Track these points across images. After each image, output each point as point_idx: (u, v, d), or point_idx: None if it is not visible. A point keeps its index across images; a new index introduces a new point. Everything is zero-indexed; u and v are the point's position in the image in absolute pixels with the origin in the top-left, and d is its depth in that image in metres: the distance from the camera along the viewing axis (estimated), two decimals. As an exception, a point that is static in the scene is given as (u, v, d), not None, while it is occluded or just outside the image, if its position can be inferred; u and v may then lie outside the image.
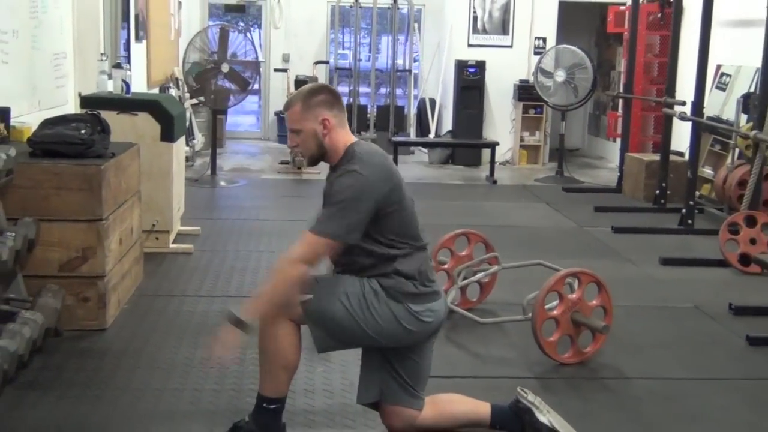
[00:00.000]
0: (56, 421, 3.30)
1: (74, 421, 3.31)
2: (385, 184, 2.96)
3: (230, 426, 3.12)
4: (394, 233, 3.00)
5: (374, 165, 2.98)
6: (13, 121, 4.67)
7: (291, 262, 2.91)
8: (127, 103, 5.71)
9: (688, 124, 7.51)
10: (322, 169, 3.14)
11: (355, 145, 3.05)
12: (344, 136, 3.06)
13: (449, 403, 3.27)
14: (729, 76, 8.37)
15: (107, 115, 4.82)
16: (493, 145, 10.07)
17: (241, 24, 15.03)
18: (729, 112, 7.93)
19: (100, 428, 3.26)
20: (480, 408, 3.26)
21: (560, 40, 10.78)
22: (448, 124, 11.29)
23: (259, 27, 13.12)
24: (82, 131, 4.33)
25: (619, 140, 9.80)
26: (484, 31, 11.09)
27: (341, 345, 3.11)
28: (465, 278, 4.74)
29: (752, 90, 7.54)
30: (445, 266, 4.84)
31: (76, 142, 4.27)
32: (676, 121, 7.88)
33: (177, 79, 9.82)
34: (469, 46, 11.05)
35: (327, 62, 11.90)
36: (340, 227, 2.89)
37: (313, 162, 3.12)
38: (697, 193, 7.68)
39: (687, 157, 7.77)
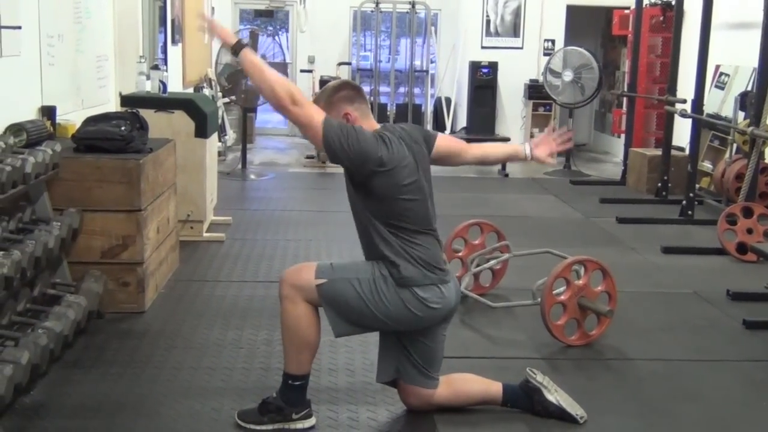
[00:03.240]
0: (99, 396, 3.32)
1: (115, 396, 3.32)
2: (394, 146, 2.95)
3: (259, 402, 3.12)
4: (405, 218, 2.98)
5: (393, 129, 3.03)
6: (58, 119, 4.70)
7: (294, 94, 2.86)
8: (164, 102, 5.72)
9: (689, 121, 7.44)
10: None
11: (381, 127, 3.07)
12: (368, 125, 3.05)
13: (463, 382, 3.26)
14: (727, 75, 8.28)
15: (145, 113, 4.85)
16: (504, 141, 10.04)
17: (270, 28, 15.03)
18: (727, 110, 7.85)
19: (139, 403, 3.27)
20: (492, 387, 3.25)
21: (568, 42, 10.71)
22: (462, 121, 11.25)
23: (287, 31, 13.10)
24: (122, 128, 4.34)
25: (623, 136, 9.73)
26: (497, 34, 11.03)
27: (355, 328, 3.09)
28: (478, 265, 4.72)
29: (749, 89, 7.46)
30: (460, 254, 4.83)
31: (116, 138, 4.29)
32: (677, 118, 7.81)
33: (210, 79, 9.83)
34: (483, 48, 11.00)
35: (349, 63, 11.88)
36: (334, 127, 2.88)
37: None
38: (697, 185, 7.61)
39: (687, 151, 7.71)
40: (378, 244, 2.98)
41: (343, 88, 3.09)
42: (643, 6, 9.28)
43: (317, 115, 2.90)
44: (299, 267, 3.09)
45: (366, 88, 11.53)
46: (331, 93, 3.06)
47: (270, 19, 14.29)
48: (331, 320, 3.02)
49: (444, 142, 3.27)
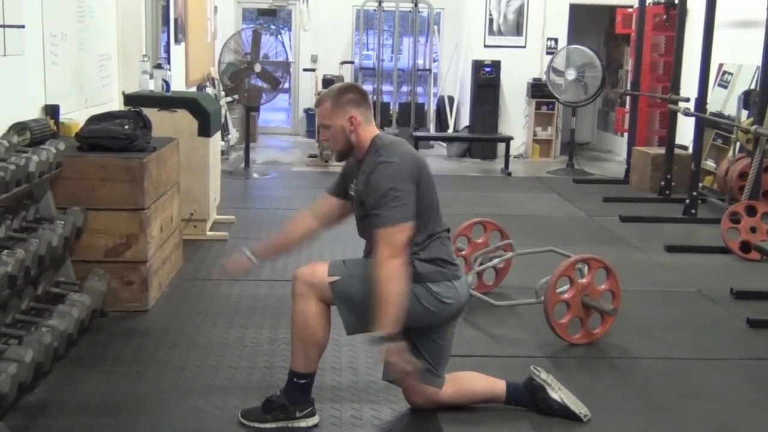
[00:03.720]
0: (103, 394, 3.33)
1: (119, 394, 3.33)
2: (414, 164, 2.98)
3: (263, 400, 3.13)
4: (418, 217, 2.98)
5: (400, 151, 3.00)
6: (62, 118, 4.70)
7: (386, 263, 2.84)
8: (167, 101, 5.73)
9: (692, 120, 7.43)
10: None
11: (378, 137, 3.05)
12: (370, 131, 3.06)
13: (467, 381, 3.27)
14: (731, 74, 8.27)
15: (149, 112, 4.85)
16: (507, 140, 10.03)
17: (273, 27, 15.03)
18: (730, 108, 7.84)
19: (143, 402, 3.27)
20: (496, 385, 3.25)
21: (571, 40, 10.69)
22: (465, 120, 11.24)
23: (289, 30, 13.11)
24: (126, 127, 4.35)
25: (626, 135, 9.72)
26: (500, 33, 11.01)
27: (368, 326, 3.08)
28: (481, 264, 4.72)
29: (753, 87, 7.44)
30: (463, 253, 4.82)
31: (120, 137, 4.29)
32: (680, 117, 7.80)
33: (213, 78, 9.84)
34: (485, 46, 10.98)
35: (352, 62, 11.88)
36: (404, 210, 2.89)
37: (342, 156, 3.13)
38: (700, 184, 7.60)
39: (690, 150, 7.70)
40: None
41: (350, 91, 3.09)
42: (646, 4, 9.27)
43: (391, 231, 2.86)
44: (312, 265, 3.10)
45: (369, 87, 11.54)
46: (338, 94, 3.06)
47: (273, 18, 14.30)
48: (345, 317, 3.02)
49: None
